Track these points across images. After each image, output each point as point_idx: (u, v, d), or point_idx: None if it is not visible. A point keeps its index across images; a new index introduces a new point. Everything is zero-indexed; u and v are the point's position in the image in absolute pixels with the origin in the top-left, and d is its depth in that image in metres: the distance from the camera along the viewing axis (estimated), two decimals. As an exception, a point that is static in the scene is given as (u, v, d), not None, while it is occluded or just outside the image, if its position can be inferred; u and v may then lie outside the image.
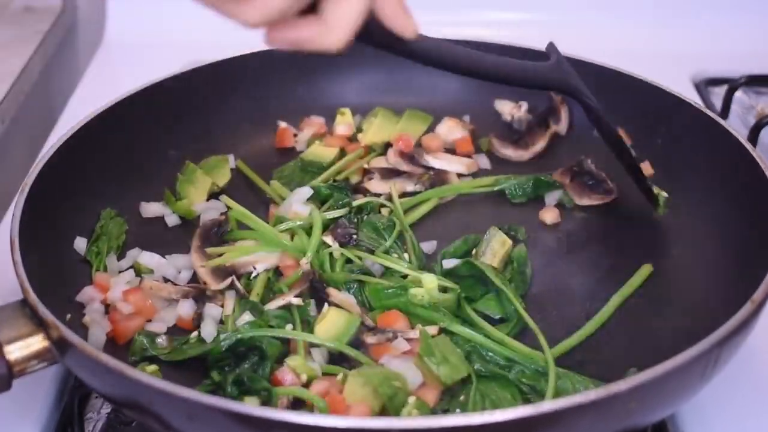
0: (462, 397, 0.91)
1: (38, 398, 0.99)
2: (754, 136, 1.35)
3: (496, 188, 1.24)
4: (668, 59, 1.62)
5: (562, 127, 1.35)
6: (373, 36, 0.81)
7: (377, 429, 0.74)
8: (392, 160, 1.27)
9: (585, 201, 1.23)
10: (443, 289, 1.02)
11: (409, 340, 0.97)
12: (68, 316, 0.98)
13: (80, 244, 1.09)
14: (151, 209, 1.19)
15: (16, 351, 0.84)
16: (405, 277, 1.05)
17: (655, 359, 0.80)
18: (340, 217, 1.13)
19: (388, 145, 1.31)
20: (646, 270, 1.09)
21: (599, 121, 1.11)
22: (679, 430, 0.96)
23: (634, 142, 1.23)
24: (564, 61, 1.04)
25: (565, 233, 1.19)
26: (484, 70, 0.97)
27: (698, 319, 0.96)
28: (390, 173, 1.26)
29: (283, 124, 1.35)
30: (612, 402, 0.77)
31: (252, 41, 1.38)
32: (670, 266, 1.11)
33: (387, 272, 1.07)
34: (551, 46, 1.08)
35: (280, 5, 0.74)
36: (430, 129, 1.37)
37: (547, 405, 0.75)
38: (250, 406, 0.74)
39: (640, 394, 0.78)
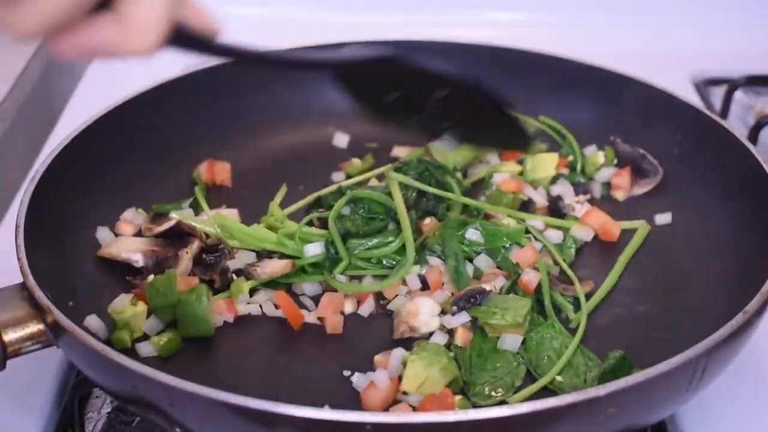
0: None
1: (38, 398, 0.99)
2: (753, 136, 1.36)
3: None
4: (668, 59, 1.62)
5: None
6: (180, 40, 0.70)
7: (346, 422, 0.74)
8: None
9: (637, 190, 1.23)
10: None
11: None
12: (70, 303, 0.98)
13: (102, 234, 1.11)
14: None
15: (11, 332, 0.86)
16: None
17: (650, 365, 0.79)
18: None
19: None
20: (643, 230, 1.14)
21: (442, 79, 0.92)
22: (679, 430, 0.96)
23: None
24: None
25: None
26: (306, 61, 0.88)
27: (698, 326, 0.95)
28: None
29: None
30: (590, 406, 0.76)
31: (252, 43, 1.39)
32: (673, 272, 1.10)
33: None
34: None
35: (64, 5, 0.60)
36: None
37: (524, 406, 0.75)
38: (226, 394, 0.75)
39: (620, 400, 0.77)
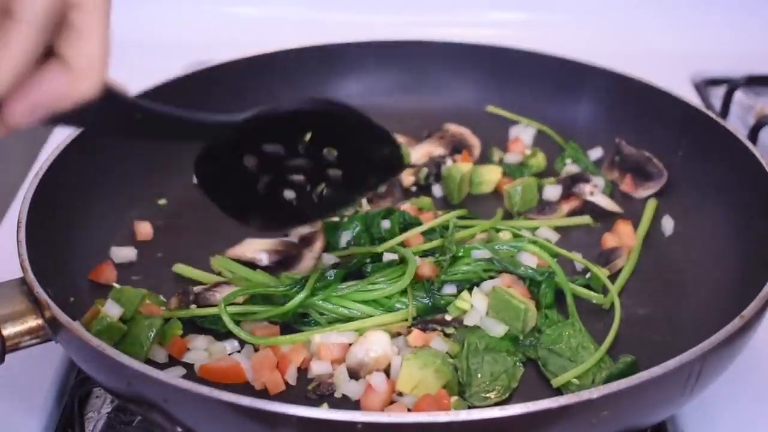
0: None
1: (39, 398, 0.99)
2: (753, 136, 1.36)
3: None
4: (668, 59, 1.62)
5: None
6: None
7: (336, 420, 0.74)
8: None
9: (641, 193, 1.23)
10: None
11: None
12: (72, 298, 0.99)
13: (118, 253, 1.11)
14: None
15: (10, 326, 0.87)
16: None
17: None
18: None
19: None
20: (652, 204, 1.17)
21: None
22: (679, 430, 0.96)
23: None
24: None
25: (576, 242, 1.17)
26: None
27: (699, 330, 0.95)
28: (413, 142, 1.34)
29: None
30: (582, 409, 0.76)
31: (252, 43, 1.40)
32: (674, 275, 1.10)
33: None
34: None
35: (16, 59, 0.61)
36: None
37: (517, 408, 0.75)
38: (219, 391, 0.75)
39: (613, 403, 0.77)
